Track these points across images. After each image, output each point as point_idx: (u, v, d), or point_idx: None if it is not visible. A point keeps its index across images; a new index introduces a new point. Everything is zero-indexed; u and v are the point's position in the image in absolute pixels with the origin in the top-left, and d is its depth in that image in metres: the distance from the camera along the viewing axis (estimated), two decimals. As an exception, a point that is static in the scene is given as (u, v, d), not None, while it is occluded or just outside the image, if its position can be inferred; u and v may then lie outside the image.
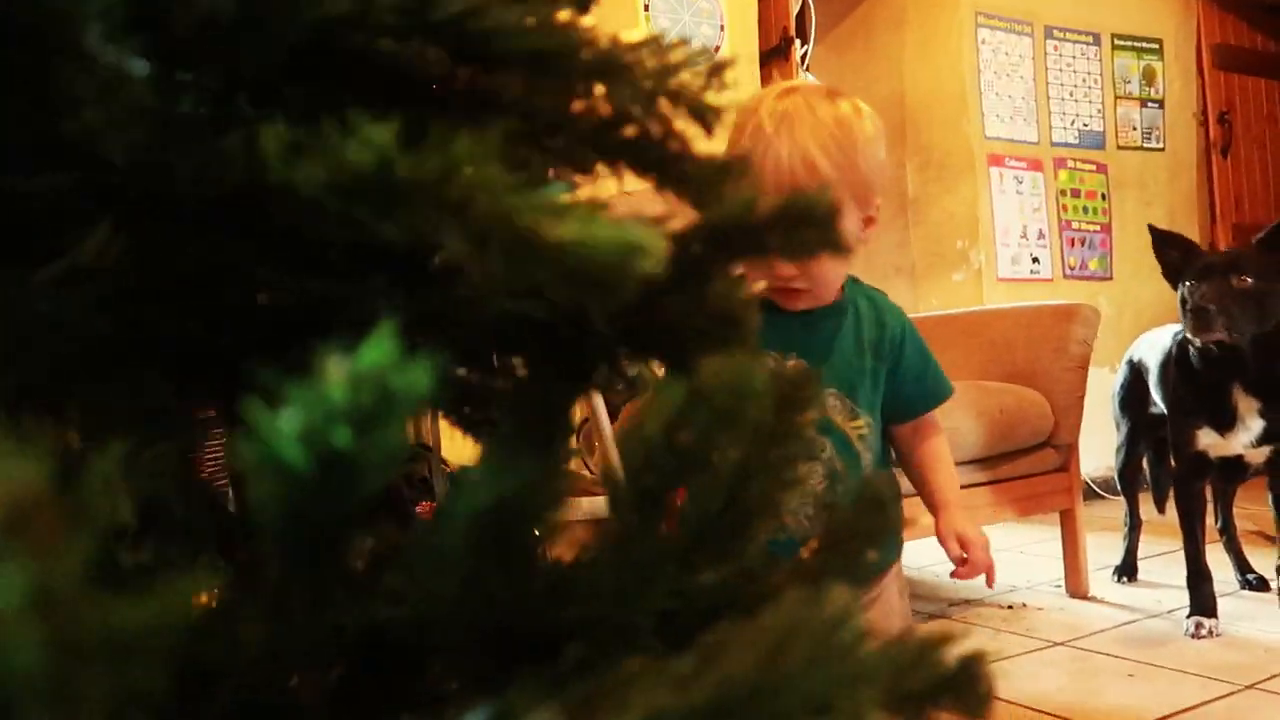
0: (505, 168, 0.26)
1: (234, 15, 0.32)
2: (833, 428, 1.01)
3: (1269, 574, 2.24)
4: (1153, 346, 2.18)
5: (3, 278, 0.28)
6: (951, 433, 2.06)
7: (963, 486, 2.11)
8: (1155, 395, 2.16)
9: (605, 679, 0.24)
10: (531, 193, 0.26)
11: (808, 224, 0.31)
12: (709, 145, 0.43)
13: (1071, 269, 3.85)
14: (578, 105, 0.42)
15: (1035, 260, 3.76)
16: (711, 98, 0.41)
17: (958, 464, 2.07)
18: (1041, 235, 3.78)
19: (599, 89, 0.40)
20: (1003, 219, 3.68)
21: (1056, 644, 1.92)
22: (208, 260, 0.33)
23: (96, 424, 0.35)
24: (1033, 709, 1.57)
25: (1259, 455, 1.93)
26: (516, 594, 0.27)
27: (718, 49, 2.82)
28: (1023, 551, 2.76)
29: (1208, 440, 1.93)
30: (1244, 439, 1.90)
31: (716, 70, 0.41)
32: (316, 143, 0.29)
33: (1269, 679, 1.64)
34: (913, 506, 1.98)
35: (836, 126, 0.94)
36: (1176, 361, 2.00)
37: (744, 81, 2.90)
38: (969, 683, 0.28)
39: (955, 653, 0.28)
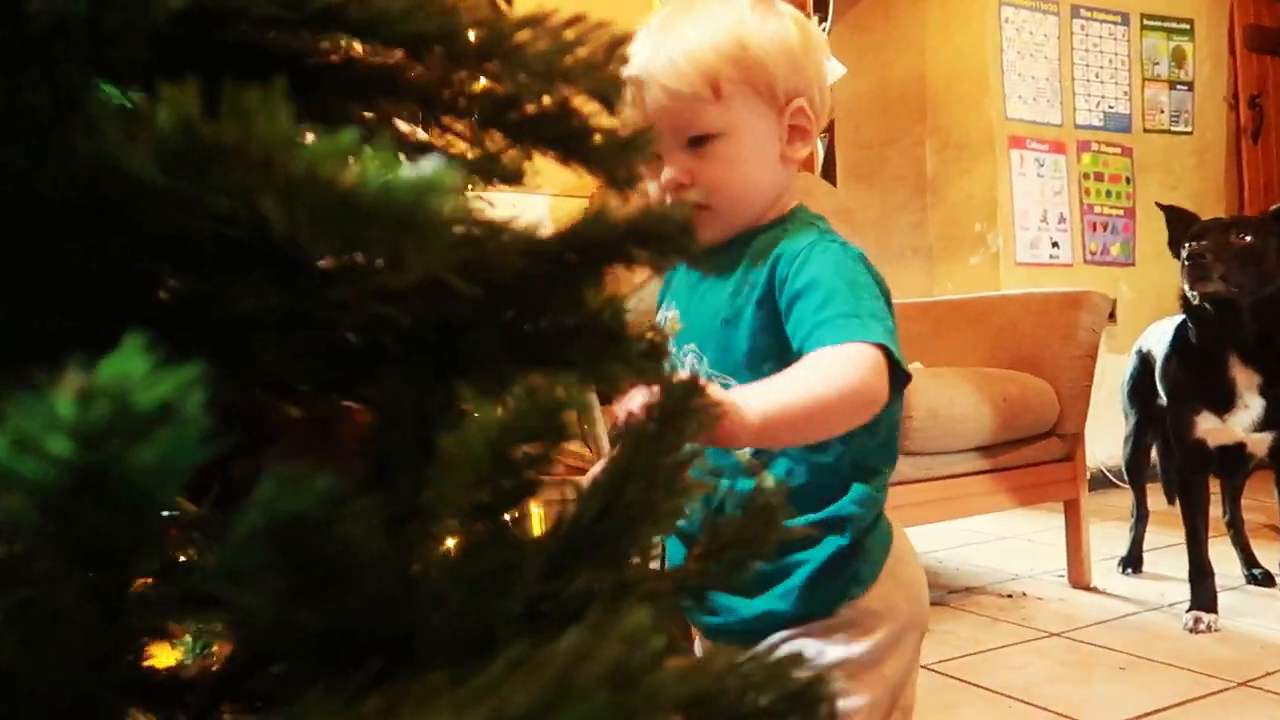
0: (294, 118, 0.25)
1: (83, 14, 0.30)
2: None
3: (1276, 569, 2.20)
4: (1161, 337, 2.14)
5: None
6: (953, 419, 2.04)
7: (964, 474, 2.10)
8: (1159, 387, 2.12)
9: (389, 696, 0.23)
10: (325, 141, 0.25)
11: (660, 235, 0.30)
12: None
13: (1093, 254, 3.78)
14: (475, 85, 0.40)
15: (1055, 245, 3.70)
16: (609, 73, 0.39)
17: (958, 451, 2.06)
18: (1062, 219, 3.71)
19: (491, 69, 0.38)
20: (1022, 202, 3.61)
21: (1052, 634, 1.90)
22: (77, 259, 0.32)
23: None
24: (1018, 699, 1.56)
25: (1261, 444, 1.90)
26: (329, 605, 0.26)
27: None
28: (1029, 540, 2.74)
29: (1207, 425, 1.89)
30: (1244, 420, 1.87)
31: (614, 45, 0.39)
32: (143, 121, 0.27)
33: (1263, 676, 1.62)
34: (904, 494, 1.96)
35: (707, 28, 0.78)
36: (1175, 345, 1.97)
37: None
38: (812, 702, 0.27)
39: (801, 674, 0.27)
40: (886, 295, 0.80)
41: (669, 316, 0.84)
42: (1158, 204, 1.97)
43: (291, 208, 0.23)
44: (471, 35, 0.37)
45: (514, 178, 0.46)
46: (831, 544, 0.79)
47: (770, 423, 0.66)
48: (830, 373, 0.71)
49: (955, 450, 2.06)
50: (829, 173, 3.55)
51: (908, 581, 0.85)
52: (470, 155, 0.46)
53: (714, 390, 0.57)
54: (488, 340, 0.36)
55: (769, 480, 0.78)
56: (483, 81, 0.40)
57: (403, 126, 0.42)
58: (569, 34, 0.39)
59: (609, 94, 0.39)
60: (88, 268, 0.35)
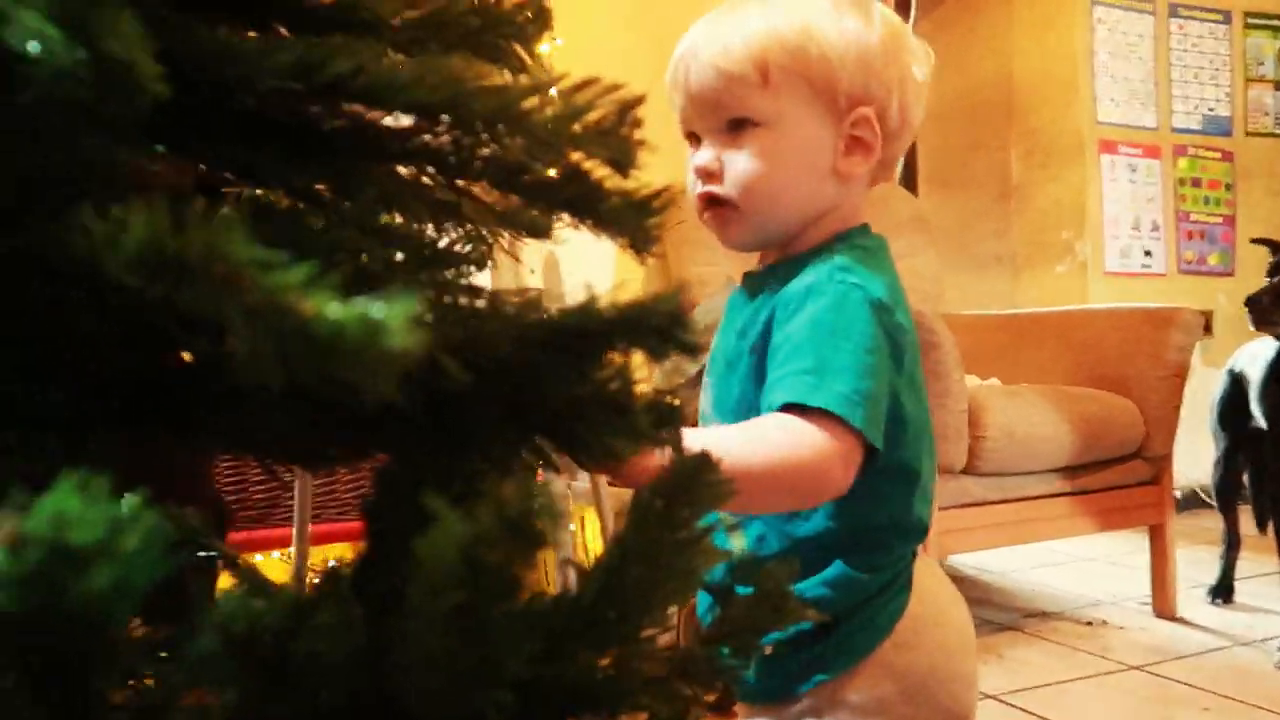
0: (255, 241, 0.25)
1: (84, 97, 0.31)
2: None
3: (1381, 605, 2.07)
4: (1254, 358, 2.03)
5: None
6: (1030, 439, 1.97)
7: (1041, 497, 2.02)
8: (1256, 411, 2.02)
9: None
10: (285, 268, 0.25)
11: (650, 329, 0.29)
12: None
13: (1188, 263, 3.62)
14: (484, 150, 0.40)
15: (1147, 253, 3.55)
16: (621, 137, 0.38)
17: (1035, 473, 1.99)
18: (1155, 227, 3.56)
19: (499, 135, 0.38)
20: (1113, 209, 3.48)
21: (1131, 668, 1.82)
22: (65, 336, 0.33)
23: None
24: (1093, 739, 1.49)
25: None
26: (301, 705, 0.26)
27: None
28: (1112, 563, 2.63)
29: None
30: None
31: (625, 109, 0.38)
32: (119, 227, 0.28)
33: (1362, 725, 1.52)
34: (976, 515, 1.91)
35: (770, 18, 0.72)
36: (1275, 369, 1.87)
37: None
38: None
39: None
40: (900, 346, 0.69)
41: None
42: (1253, 240, 1.87)
43: (254, 330, 0.23)
44: (479, 103, 0.36)
45: (542, 231, 0.46)
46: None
47: None
48: (766, 442, 0.62)
49: (1032, 471, 1.99)
50: (909, 179, 3.47)
51: (918, 678, 0.70)
52: (497, 208, 0.46)
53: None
54: (486, 414, 0.35)
55: (738, 541, 0.71)
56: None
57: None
58: (580, 98, 0.38)
59: (621, 158, 0.39)
60: (92, 337, 0.35)
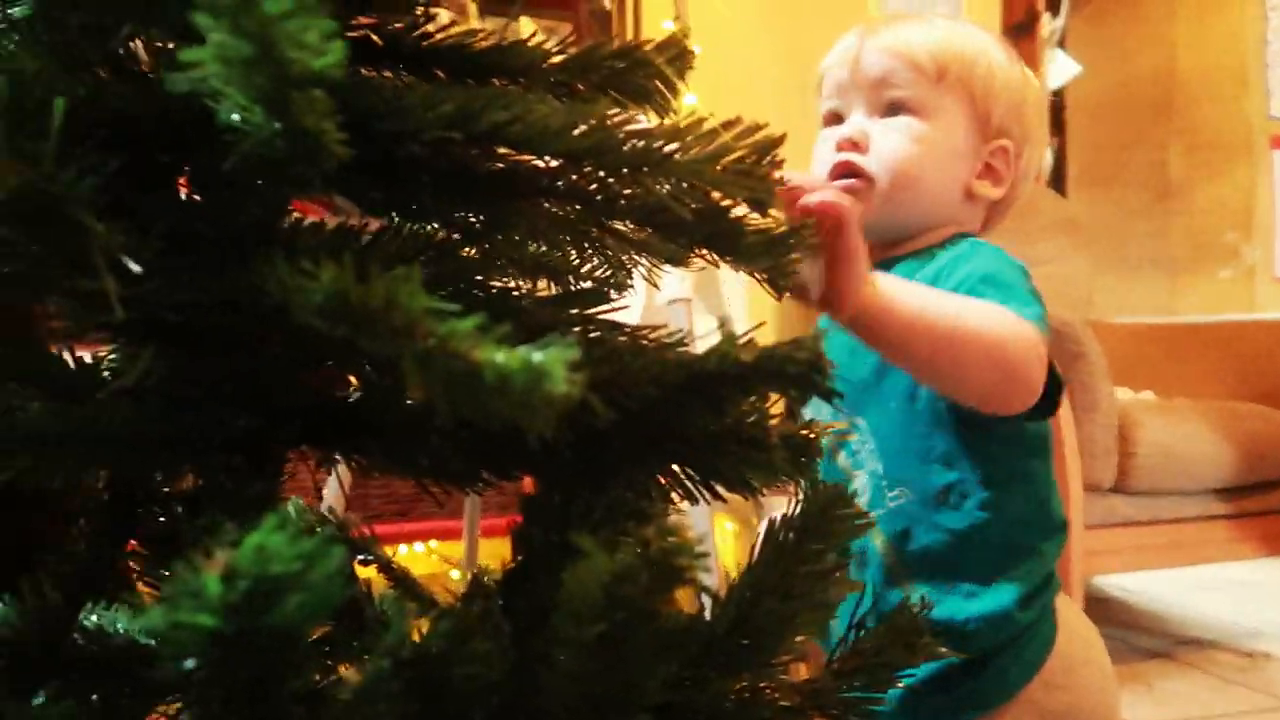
0: (432, 295, 0.27)
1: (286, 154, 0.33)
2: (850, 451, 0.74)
3: None
4: None
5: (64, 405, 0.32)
6: (1187, 458, 1.86)
7: (1198, 518, 1.91)
8: None
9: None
10: (460, 318, 0.27)
11: (789, 376, 0.30)
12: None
13: (1371, 268, 3.34)
14: (628, 190, 0.42)
15: (1325, 257, 3.29)
16: (760, 178, 0.40)
17: (1192, 493, 1.87)
18: (1334, 228, 3.30)
19: (643, 177, 0.39)
20: (1285, 209, 3.24)
21: (1296, 706, 1.70)
22: (256, 367, 0.36)
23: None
24: (1250, 780, 1.40)
25: None
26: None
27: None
28: (1276, 591, 2.46)
29: None
30: None
31: (766, 149, 0.39)
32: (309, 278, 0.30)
33: None
34: (1125, 536, 1.82)
35: (955, 32, 0.77)
36: None
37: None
38: None
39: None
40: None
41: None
42: None
43: (428, 373, 0.25)
44: (626, 149, 0.38)
45: (681, 261, 0.47)
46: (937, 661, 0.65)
47: (888, 309, 0.59)
48: (988, 317, 0.62)
49: (1188, 491, 1.88)
50: (1057, 179, 3.33)
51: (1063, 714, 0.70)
52: (635, 237, 0.48)
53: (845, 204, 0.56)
54: (628, 446, 0.37)
55: (878, 539, 0.71)
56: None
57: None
58: (722, 140, 0.39)
59: (761, 198, 0.40)
60: (278, 369, 0.39)
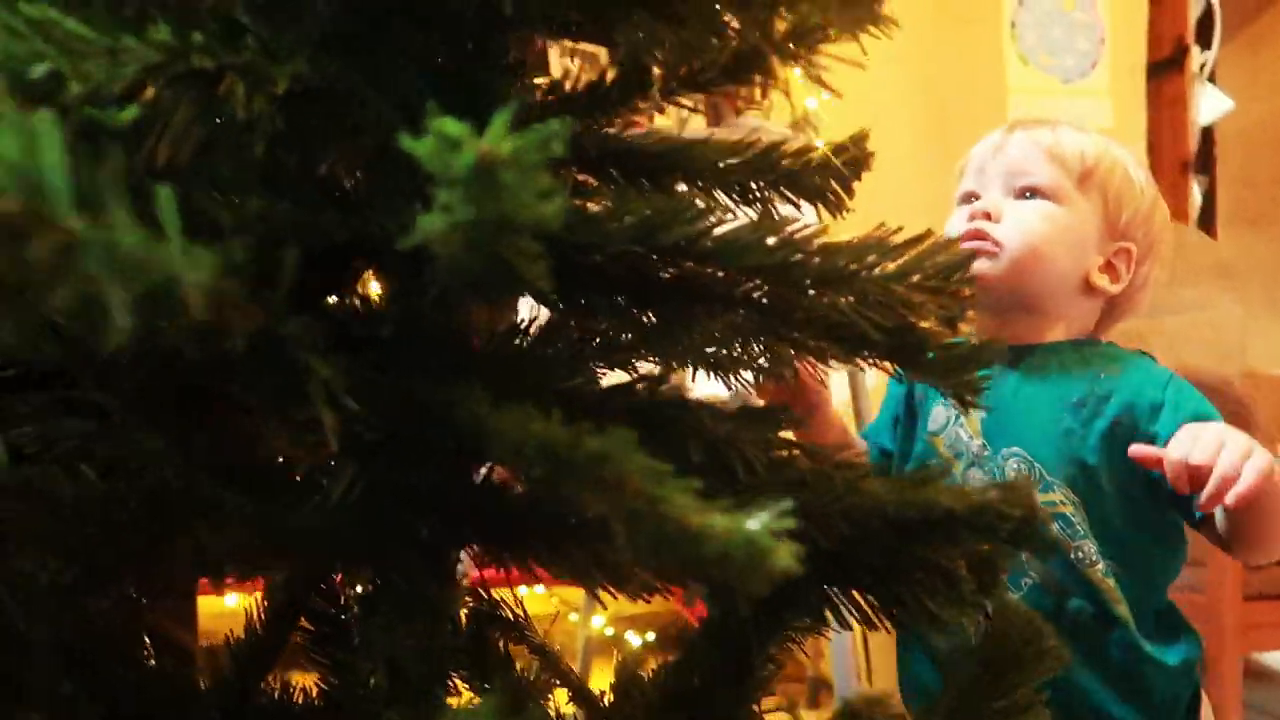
0: (650, 458, 0.27)
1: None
2: None
3: None
4: None
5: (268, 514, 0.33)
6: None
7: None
8: None
9: None
10: (678, 482, 0.27)
11: (997, 533, 0.28)
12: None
13: None
14: (812, 303, 0.41)
15: None
16: (949, 296, 0.38)
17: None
18: None
19: (826, 295, 0.39)
20: None
21: None
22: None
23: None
24: None
25: None
26: None
27: (1094, 65, 2.56)
28: None
29: None
30: None
31: (955, 268, 0.38)
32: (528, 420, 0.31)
33: None
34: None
35: (1102, 141, 0.85)
36: None
37: (1126, 96, 2.61)
38: None
39: None
40: None
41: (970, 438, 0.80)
42: None
43: (634, 531, 0.25)
44: (812, 265, 0.38)
45: (852, 363, 0.47)
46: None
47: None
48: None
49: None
50: (1206, 221, 3.15)
51: None
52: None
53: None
54: (811, 576, 0.36)
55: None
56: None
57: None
58: (910, 256, 0.38)
59: (952, 316, 0.38)
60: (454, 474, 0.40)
